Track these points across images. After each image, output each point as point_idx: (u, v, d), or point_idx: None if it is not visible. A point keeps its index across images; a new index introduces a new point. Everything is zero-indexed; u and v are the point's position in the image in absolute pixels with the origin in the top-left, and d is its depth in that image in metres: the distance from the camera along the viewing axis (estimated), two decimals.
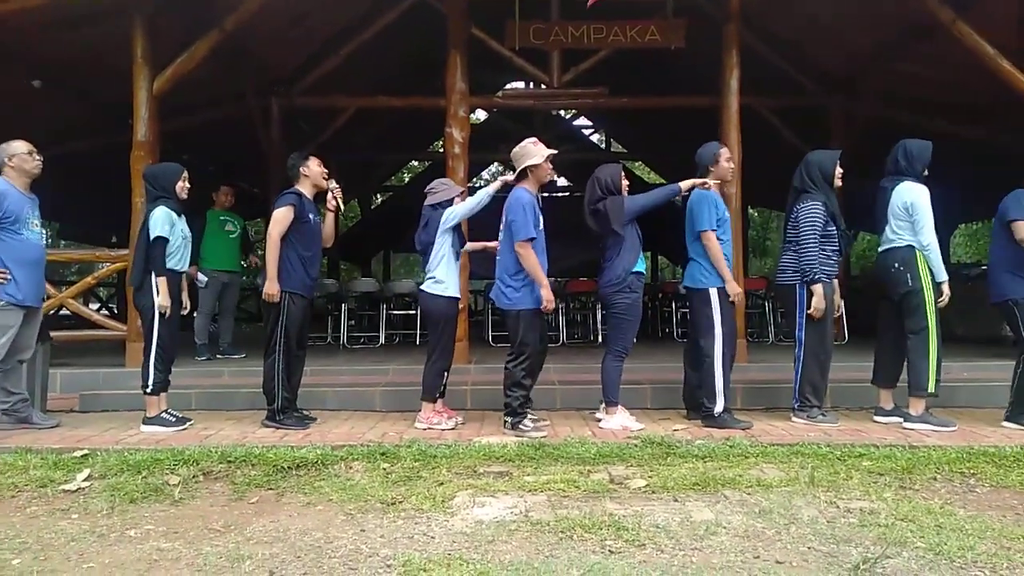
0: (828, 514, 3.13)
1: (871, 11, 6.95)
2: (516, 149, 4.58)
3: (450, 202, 4.77)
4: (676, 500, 3.34)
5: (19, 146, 4.56)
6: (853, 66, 8.11)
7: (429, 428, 4.63)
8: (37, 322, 4.73)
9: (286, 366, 4.65)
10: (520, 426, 4.43)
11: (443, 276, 4.70)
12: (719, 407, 4.59)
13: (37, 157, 4.59)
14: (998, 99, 6.48)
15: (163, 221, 4.55)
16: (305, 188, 4.80)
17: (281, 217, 4.60)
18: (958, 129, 8.04)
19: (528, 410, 4.54)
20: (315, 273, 4.85)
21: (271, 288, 4.59)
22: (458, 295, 4.81)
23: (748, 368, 6.22)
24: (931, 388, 4.47)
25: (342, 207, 4.94)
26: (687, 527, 2.98)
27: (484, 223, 5.06)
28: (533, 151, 4.49)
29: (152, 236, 4.54)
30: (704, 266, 4.71)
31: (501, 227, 4.59)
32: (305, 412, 4.88)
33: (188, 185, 4.76)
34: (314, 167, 4.80)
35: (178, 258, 4.71)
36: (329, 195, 4.88)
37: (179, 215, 4.72)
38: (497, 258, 4.65)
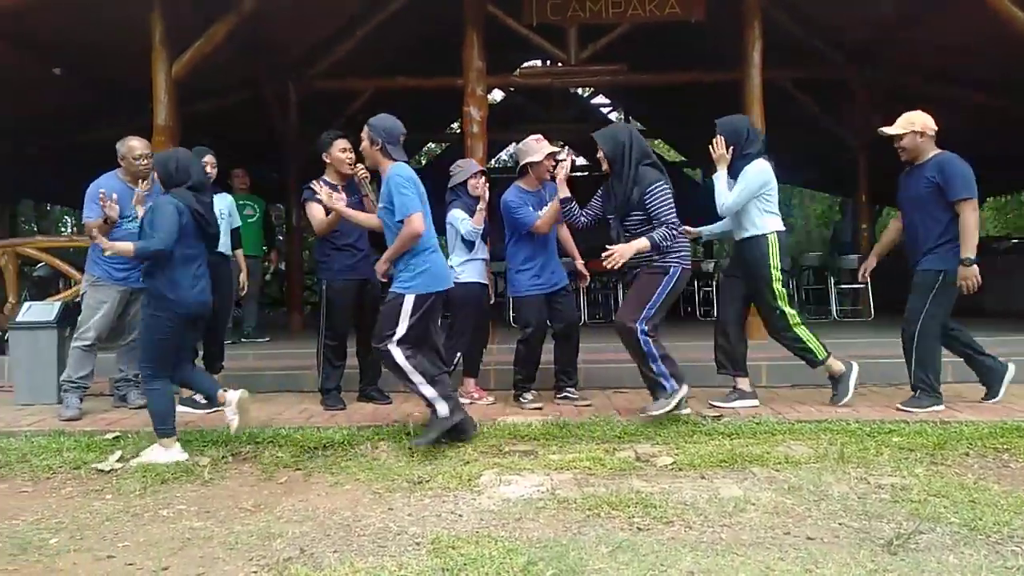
0: (859, 490, 3.10)
1: None
2: (519, 145, 4.71)
3: (464, 184, 4.76)
4: (703, 477, 3.32)
5: (133, 145, 4.71)
6: (876, 36, 7.92)
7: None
8: (141, 304, 4.79)
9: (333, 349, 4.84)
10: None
11: (455, 263, 4.75)
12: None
13: (145, 160, 4.67)
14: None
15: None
16: (330, 175, 4.77)
17: (310, 216, 4.69)
18: (981, 99, 7.85)
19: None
20: (358, 255, 4.75)
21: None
22: (472, 280, 4.76)
23: (772, 345, 6.13)
24: None
25: (367, 193, 4.78)
26: (715, 504, 2.97)
27: None
28: (535, 148, 4.61)
29: None
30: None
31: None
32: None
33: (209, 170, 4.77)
34: (336, 154, 4.70)
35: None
36: (356, 181, 4.78)
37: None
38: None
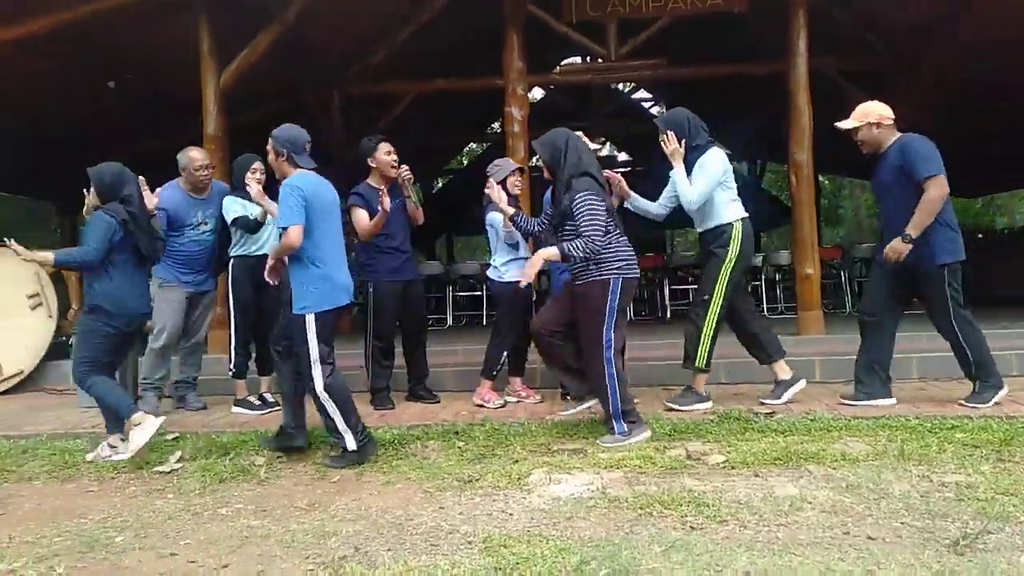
0: (921, 488, 3.00)
1: None
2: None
3: (504, 182, 4.76)
4: (757, 475, 3.26)
5: (194, 156, 4.89)
6: (926, 24, 7.64)
7: (481, 404, 4.78)
8: (203, 306, 5.07)
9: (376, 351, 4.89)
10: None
11: (498, 262, 4.86)
12: None
13: (206, 171, 4.89)
14: None
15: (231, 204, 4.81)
16: (374, 178, 4.84)
17: (355, 221, 4.74)
18: None
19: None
20: (402, 257, 4.87)
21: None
22: (516, 280, 4.74)
23: (825, 340, 6.03)
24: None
25: (411, 195, 4.85)
26: (770, 503, 2.91)
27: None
28: None
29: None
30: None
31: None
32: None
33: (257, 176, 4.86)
34: (381, 156, 4.79)
35: (250, 243, 4.86)
36: (400, 182, 4.85)
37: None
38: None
